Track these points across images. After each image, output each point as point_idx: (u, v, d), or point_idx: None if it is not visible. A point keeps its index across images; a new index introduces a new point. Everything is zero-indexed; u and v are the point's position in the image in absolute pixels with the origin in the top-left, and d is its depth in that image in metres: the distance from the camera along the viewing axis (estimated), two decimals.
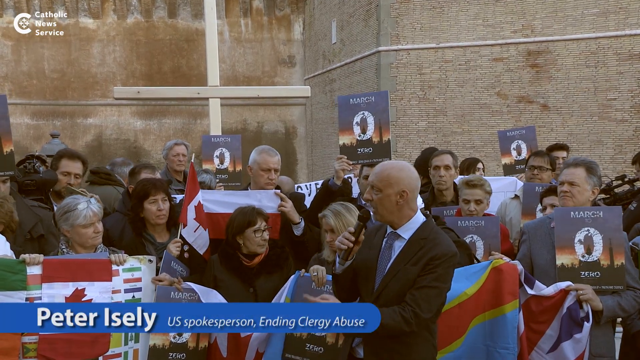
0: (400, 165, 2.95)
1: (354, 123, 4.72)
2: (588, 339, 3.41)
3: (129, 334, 3.41)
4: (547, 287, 3.51)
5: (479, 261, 3.94)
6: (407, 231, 2.91)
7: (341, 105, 4.83)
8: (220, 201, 4.19)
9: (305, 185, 6.37)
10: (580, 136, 17.89)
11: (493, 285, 3.50)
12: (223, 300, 3.48)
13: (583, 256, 3.50)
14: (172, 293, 3.47)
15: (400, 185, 2.85)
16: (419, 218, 2.94)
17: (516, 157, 6.59)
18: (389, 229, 2.95)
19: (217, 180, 6.04)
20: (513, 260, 3.68)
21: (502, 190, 6.06)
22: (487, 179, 6.32)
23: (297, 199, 4.45)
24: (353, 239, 2.87)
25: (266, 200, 4.14)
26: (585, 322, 3.37)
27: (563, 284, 3.46)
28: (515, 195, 5.12)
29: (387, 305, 2.81)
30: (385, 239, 2.95)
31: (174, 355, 3.44)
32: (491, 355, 3.46)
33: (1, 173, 4.07)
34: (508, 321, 3.43)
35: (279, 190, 4.23)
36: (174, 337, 3.44)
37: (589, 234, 3.50)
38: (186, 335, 3.47)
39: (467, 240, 3.98)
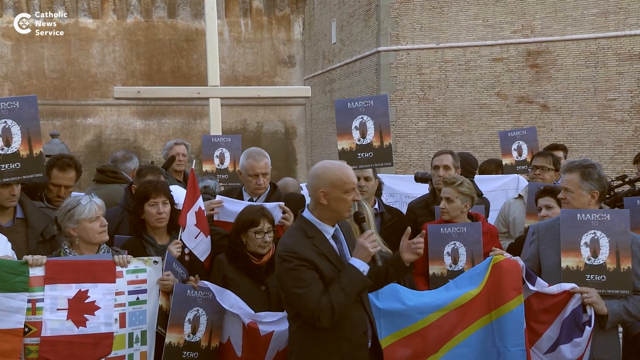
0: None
1: (353, 127, 4.66)
2: (589, 343, 3.35)
3: (133, 336, 3.40)
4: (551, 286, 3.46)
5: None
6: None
7: (338, 109, 4.76)
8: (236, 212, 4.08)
9: (306, 185, 6.35)
10: (580, 136, 17.89)
11: (495, 283, 3.46)
12: (237, 299, 3.49)
13: (589, 259, 3.43)
14: (189, 291, 3.49)
15: None
16: None
17: (517, 157, 6.59)
18: (331, 230, 2.99)
19: (217, 180, 6.05)
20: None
21: (504, 188, 6.07)
22: (488, 177, 6.36)
23: (296, 201, 4.37)
24: (375, 237, 2.96)
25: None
26: (587, 327, 3.31)
27: (568, 285, 3.40)
28: (519, 195, 5.12)
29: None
30: (331, 238, 2.98)
31: (187, 354, 3.47)
32: (503, 355, 3.40)
33: (30, 175, 3.90)
34: (516, 317, 3.39)
35: (282, 203, 4.17)
36: (188, 336, 3.47)
37: (596, 237, 3.43)
38: (199, 335, 3.51)
39: (450, 248, 3.88)
